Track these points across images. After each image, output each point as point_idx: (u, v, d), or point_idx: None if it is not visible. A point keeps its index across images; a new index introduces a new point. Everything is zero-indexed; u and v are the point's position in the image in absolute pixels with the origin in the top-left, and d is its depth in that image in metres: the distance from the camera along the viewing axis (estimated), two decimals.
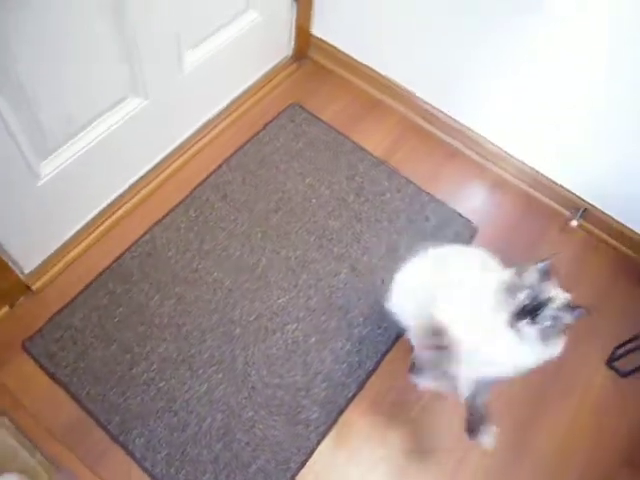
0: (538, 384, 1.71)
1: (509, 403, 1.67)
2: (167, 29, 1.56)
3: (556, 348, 1.16)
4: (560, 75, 1.70)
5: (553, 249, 1.94)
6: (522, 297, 1.10)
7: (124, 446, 1.50)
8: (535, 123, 1.88)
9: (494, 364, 1.23)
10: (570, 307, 1.10)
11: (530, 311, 1.09)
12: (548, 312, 1.08)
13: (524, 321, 1.10)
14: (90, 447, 1.50)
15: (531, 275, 1.12)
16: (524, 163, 2.00)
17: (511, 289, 1.13)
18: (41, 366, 1.57)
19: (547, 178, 1.98)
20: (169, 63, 1.66)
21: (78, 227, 1.74)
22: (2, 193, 1.41)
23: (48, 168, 1.49)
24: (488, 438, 1.31)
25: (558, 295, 1.11)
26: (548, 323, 1.09)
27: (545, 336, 1.11)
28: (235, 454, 1.51)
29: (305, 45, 2.23)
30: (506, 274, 1.17)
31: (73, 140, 1.52)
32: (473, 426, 1.33)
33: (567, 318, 1.10)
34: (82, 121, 1.51)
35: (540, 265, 1.13)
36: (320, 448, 1.55)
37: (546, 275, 1.13)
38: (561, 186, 1.97)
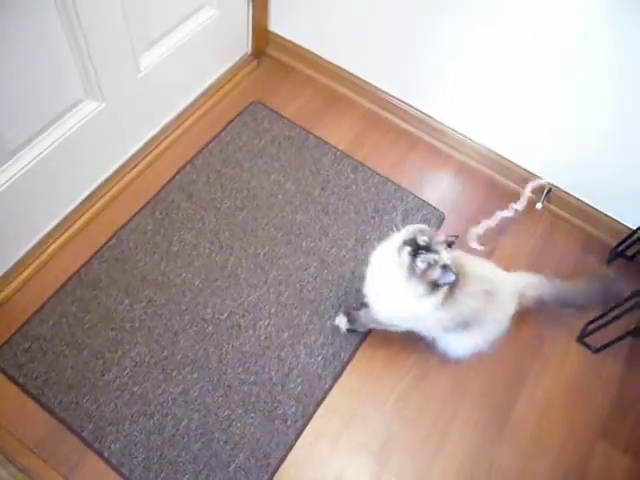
0: (513, 362, 1.73)
1: (485, 382, 1.69)
2: (119, 28, 1.54)
3: (433, 299, 1.32)
4: (516, 55, 1.72)
5: (519, 232, 1.96)
6: (421, 238, 1.28)
7: (99, 453, 1.48)
8: (495, 107, 1.90)
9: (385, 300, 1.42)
10: (446, 268, 1.26)
11: (417, 248, 1.27)
12: (428, 256, 1.26)
13: (407, 249, 1.27)
14: (64, 456, 1.47)
15: (439, 235, 1.31)
16: (486, 147, 2.02)
17: (418, 231, 1.32)
18: (10, 378, 1.54)
19: (510, 161, 2.00)
20: (124, 64, 1.64)
21: (40, 236, 1.71)
22: None
23: (6, 175, 1.46)
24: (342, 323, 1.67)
25: (444, 256, 1.28)
26: (423, 264, 1.26)
27: (423, 281, 1.27)
28: (214, 453, 1.50)
29: (263, 42, 2.23)
30: (424, 227, 1.35)
31: (28, 147, 1.49)
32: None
33: (437, 275, 1.27)
34: (35, 128, 1.49)
35: (450, 237, 1.33)
36: (299, 442, 1.55)
37: (446, 244, 1.31)
38: (524, 169, 1.99)
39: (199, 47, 1.91)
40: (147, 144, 1.94)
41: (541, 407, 1.68)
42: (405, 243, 1.29)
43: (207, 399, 1.56)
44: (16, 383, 1.54)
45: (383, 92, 2.11)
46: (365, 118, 2.16)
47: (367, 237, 1.86)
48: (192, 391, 1.57)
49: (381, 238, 1.79)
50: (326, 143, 2.05)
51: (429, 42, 1.85)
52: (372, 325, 1.62)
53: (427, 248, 1.27)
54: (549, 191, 1.97)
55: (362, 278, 1.49)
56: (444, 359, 1.69)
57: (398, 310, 1.41)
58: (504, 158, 2.01)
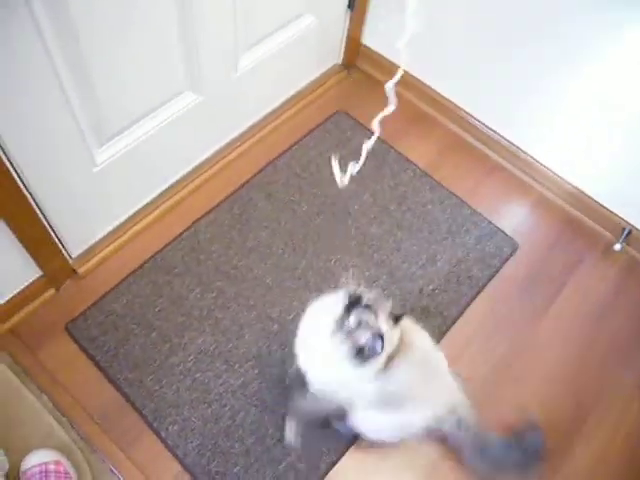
0: (574, 406, 1.69)
1: (544, 423, 1.65)
2: (227, 28, 1.60)
3: (371, 369, 1.19)
4: (611, 94, 1.70)
5: (594, 272, 1.92)
6: (367, 296, 1.18)
7: (157, 432, 1.52)
8: (581, 141, 1.87)
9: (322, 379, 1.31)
10: (379, 338, 1.14)
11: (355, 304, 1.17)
12: (364, 315, 1.15)
13: (345, 301, 1.18)
14: (124, 430, 1.52)
15: (384, 305, 1.20)
16: (568, 182, 1.99)
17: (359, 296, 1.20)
18: (82, 348, 1.60)
19: (591, 198, 1.97)
20: (225, 62, 1.70)
21: (126, 216, 1.78)
22: (60, 178, 1.45)
23: (104, 155, 1.54)
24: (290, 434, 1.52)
25: (382, 324, 1.16)
26: (354, 320, 1.15)
27: (348, 341, 1.15)
28: (267, 449, 1.52)
29: (354, 54, 2.26)
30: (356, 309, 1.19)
31: (130, 130, 1.56)
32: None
33: (365, 339, 1.14)
34: (140, 112, 1.55)
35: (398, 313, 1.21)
36: (350, 450, 1.55)
37: (393, 317, 1.20)
38: (604, 207, 1.95)
39: (294, 53, 1.96)
40: (233, 141, 1.99)
41: (597, 457, 1.62)
42: (348, 297, 1.19)
43: (265, 395, 1.58)
44: (87, 354, 1.60)
45: (470, 115, 2.11)
46: (447, 139, 2.16)
47: (438, 257, 1.86)
48: (251, 385, 1.59)
49: (451, 260, 1.82)
50: (407, 159, 2.06)
51: (525, 73, 1.85)
52: (315, 407, 1.45)
53: (367, 308, 1.16)
54: (629, 232, 1.92)
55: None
56: (503, 389, 1.67)
57: (324, 371, 1.29)
58: (586, 195, 1.97)
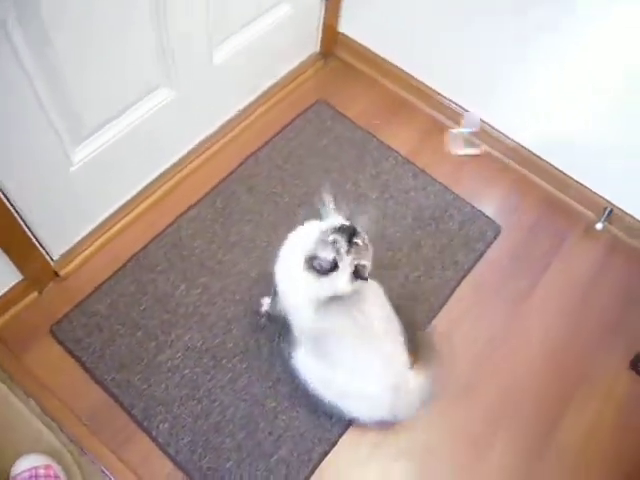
0: (560, 384, 1.70)
1: (530, 402, 1.67)
2: (201, 20, 1.58)
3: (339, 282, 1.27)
4: (592, 68, 1.71)
5: (576, 252, 1.94)
6: (323, 256, 1.25)
7: (148, 431, 1.51)
8: (559, 122, 1.88)
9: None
10: (334, 262, 1.24)
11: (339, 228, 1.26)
12: (339, 236, 1.25)
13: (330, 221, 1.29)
14: (114, 431, 1.51)
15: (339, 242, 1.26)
16: (548, 162, 2.00)
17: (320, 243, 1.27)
18: (68, 351, 1.59)
19: (571, 178, 1.97)
20: (200, 55, 1.68)
21: (107, 214, 1.76)
22: (36, 179, 1.43)
23: (81, 155, 1.52)
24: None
25: (350, 252, 1.25)
26: (331, 236, 1.25)
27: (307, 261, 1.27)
28: (258, 443, 1.52)
29: (332, 42, 2.24)
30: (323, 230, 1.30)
31: (106, 127, 1.54)
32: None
33: (326, 252, 1.25)
34: (115, 109, 1.53)
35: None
36: (342, 441, 1.56)
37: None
38: (585, 186, 1.96)
39: (270, 43, 1.94)
40: (213, 135, 1.97)
41: (586, 433, 1.65)
42: (309, 262, 1.27)
43: (255, 389, 1.58)
44: (73, 356, 1.58)
45: (448, 100, 2.11)
46: (428, 125, 2.16)
47: (422, 243, 1.86)
48: (240, 380, 1.59)
49: (435, 245, 1.82)
50: (388, 147, 2.06)
51: (504, 55, 1.86)
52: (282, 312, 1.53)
53: (346, 231, 1.26)
54: (610, 212, 1.93)
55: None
56: (492, 370, 1.69)
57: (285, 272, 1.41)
58: (567, 175, 1.98)
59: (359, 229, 1.29)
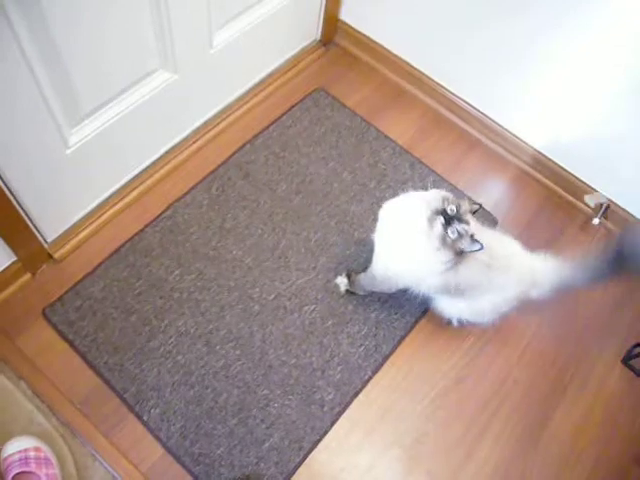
0: (554, 376, 1.71)
1: (524, 392, 1.67)
2: (201, 4, 1.56)
3: (440, 263, 1.32)
4: (590, 66, 1.70)
5: (572, 246, 1.93)
6: (449, 206, 1.27)
7: (139, 416, 1.51)
8: (561, 117, 1.87)
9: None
10: (474, 240, 1.27)
11: (449, 218, 1.26)
12: (459, 227, 1.26)
13: (440, 219, 1.26)
14: (106, 415, 1.51)
15: (464, 203, 1.31)
16: (546, 156, 1.99)
17: (445, 200, 1.30)
18: (60, 334, 1.58)
19: (569, 173, 1.97)
20: (199, 39, 1.66)
21: (102, 198, 1.75)
22: (31, 160, 1.42)
23: (77, 137, 1.50)
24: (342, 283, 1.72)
25: (472, 226, 1.28)
26: (454, 235, 1.25)
27: (443, 245, 1.27)
28: (249, 430, 1.52)
29: (333, 30, 2.23)
30: (446, 193, 1.34)
31: (103, 110, 1.53)
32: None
33: (466, 244, 1.27)
34: (112, 91, 1.52)
35: (474, 205, 1.34)
36: (333, 429, 1.56)
37: (473, 212, 1.33)
38: (583, 181, 1.96)
39: (270, 29, 1.92)
40: (210, 120, 1.96)
41: (577, 424, 1.66)
42: (436, 212, 1.27)
43: (247, 376, 1.58)
44: (65, 339, 1.58)
45: (448, 91, 2.10)
46: (427, 115, 2.15)
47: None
48: (233, 367, 1.59)
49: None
50: (386, 137, 2.05)
51: (504, 48, 1.84)
52: (368, 288, 1.66)
53: (456, 218, 1.26)
54: (607, 207, 1.93)
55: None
56: (485, 365, 1.69)
57: (408, 269, 1.42)
58: (566, 170, 1.97)
59: (439, 201, 1.30)
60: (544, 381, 1.70)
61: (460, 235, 1.26)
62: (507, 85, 1.93)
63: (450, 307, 1.59)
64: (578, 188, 1.98)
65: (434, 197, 1.31)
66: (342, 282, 1.72)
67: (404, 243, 1.36)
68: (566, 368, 1.73)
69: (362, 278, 1.64)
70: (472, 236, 1.27)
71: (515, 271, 1.45)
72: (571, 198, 2.02)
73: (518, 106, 1.96)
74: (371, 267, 1.54)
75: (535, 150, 2.01)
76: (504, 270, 1.43)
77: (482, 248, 1.26)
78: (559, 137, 1.92)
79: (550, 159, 1.99)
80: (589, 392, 1.71)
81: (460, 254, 1.29)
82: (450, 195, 1.32)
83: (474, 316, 1.58)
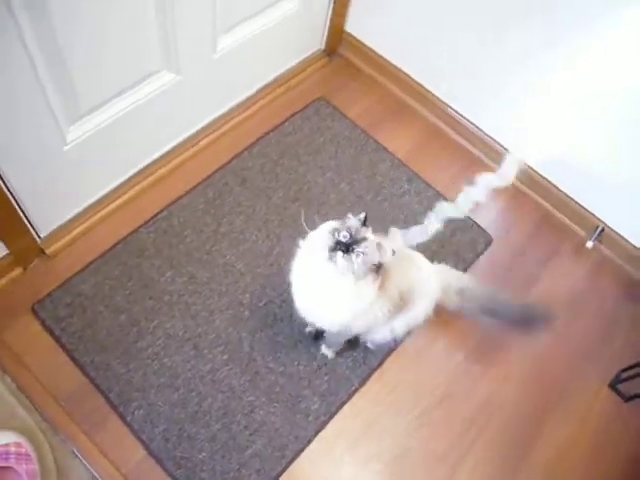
0: (540, 397, 1.71)
1: (509, 414, 1.67)
2: (206, 7, 1.57)
3: (369, 288, 1.24)
4: (586, 93, 1.71)
5: (566, 268, 1.94)
6: (340, 234, 1.19)
7: (122, 416, 1.50)
8: (559, 139, 1.88)
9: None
10: (380, 246, 1.20)
11: (346, 245, 1.18)
12: (360, 248, 1.17)
13: (339, 253, 1.17)
14: (89, 414, 1.50)
15: (351, 221, 1.23)
16: (543, 176, 2.00)
17: (334, 232, 1.21)
18: (48, 330, 1.58)
19: (565, 194, 1.98)
20: (203, 43, 1.67)
21: (98, 196, 1.75)
22: (29, 155, 1.42)
23: (76, 134, 1.50)
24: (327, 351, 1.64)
25: (371, 237, 1.20)
26: (359, 258, 1.17)
27: (357, 271, 1.19)
28: (232, 436, 1.51)
29: (337, 41, 2.24)
30: (332, 223, 1.26)
31: (103, 108, 1.53)
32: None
33: (376, 257, 1.20)
34: (113, 90, 1.52)
35: (360, 215, 1.24)
36: (317, 439, 1.55)
37: (363, 223, 1.23)
38: (578, 203, 1.96)
39: (275, 37, 1.93)
40: (210, 124, 1.96)
41: (562, 448, 1.65)
42: (332, 249, 1.19)
43: (234, 382, 1.57)
44: (52, 335, 1.57)
45: (449, 107, 2.11)
46: (427, 130, 2.16)
47: (414, 248, 1.85)
48: (220, 372, 1.58)
49: (425, 251, 1.80)
50: (385, 149, 2.05)
51: (509, 70, 1.85)
52: (341, 338, 1.56)
53: (353, 242, 1.18)
54: (602, 231, 1.94)
55: None
56: (471, 384, 1.69)
57: (351, 310, 1.31)
58: (561, 191, 1.98)
59: (329, 235, 1.22)
60: (530, 403, 1.70)
61: (365, 254, 1.18)
62: (506, 103, 1.94)
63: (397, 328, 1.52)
64: (573, 210, 1.98)
65: (322, 236, 1.23)
66: (327, 351, 1.64)
67: (330, 296, 1.27)
68: (552, 390, 1.72)
69: (329, 336, 1.58)
70: (379, 244, 1.20)
71: (422, 292, 1.45)
72: (567, 220, 2.02)
73: (516, 124, 1.97)
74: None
75: (531, 169, 2.01)
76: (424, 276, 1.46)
77: (394, 251, 1.22)
78: (555, 157, 1.93)
79: (546, 178, 1.99)
80: (575, 415, 1.70)
81: (379, 268, 1.22)
82: (335, 223, 1.25)
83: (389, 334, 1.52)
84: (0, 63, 1.18)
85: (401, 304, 1.39)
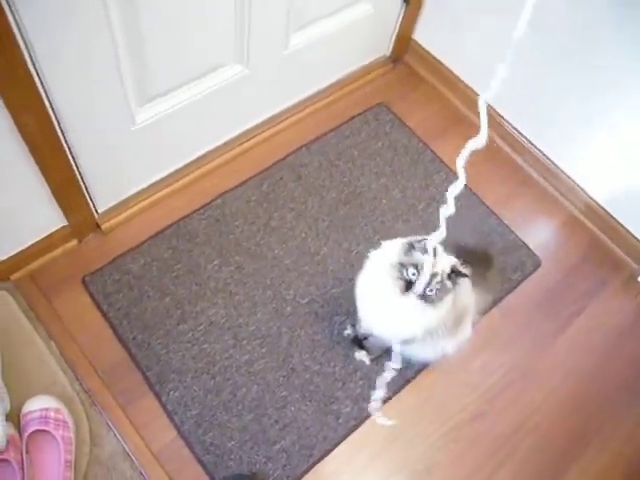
0: (578, 428, 1.67)
1: (542, 439, 1.64)
2: (282, 4, 1.58)
3: (441, 308, 1.25)
4: None
5: (613, 301, 1.89)
6: (409, 271, 1.18)
7: (158, 396, 1.53)
8: (615, 164, 1.85)
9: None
10: (454, 274, 1.20)
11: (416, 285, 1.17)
12: (433, 286, 1.17)
13: (412, 294, 1.18)
14: (126, 389, 1.54)
15: (416, 254, 1.20)
16: (599, 204, 1.96)
17: (399, 266, 1.20)
18: (96, 303, 1.62)
19: (620, 224, 1.93)
20: (276, 39, 1.69)
21: (156, 178, 1.78)
22: (98, 131, 1.46)
23: (144, 115, 1.54)
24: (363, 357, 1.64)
25: (441, 267, 1.19)
26: (433, 293, 1.18)
27: (431, 301, 1.20)
28: (263, 428, 1.52)
29: (403, 48, 2.23)
30: (395, 252, 1.24)
31: (172, 93, 1.56)
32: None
33: (450, 285, 1.20)
34: (185, 77, 1.55)
35: (425, 242, 1.20)
36: (345, 442, 1.55)
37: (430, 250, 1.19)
38: (633, 235, 1.92)
39: (345, 39, 1.94)
40: (271, 119, 1.98)
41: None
42: (403, 289, 1.18)
43: (269, 375, 1.59)
44: (99, 309, 1.61)
45: (509, 124, 2.08)
46: (485, 146, 2.13)
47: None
48: (257, 364, 1.60)
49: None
50: (441, 161, 2.04)
51: (574, 95, 1.83)
52: (383, 346, 1.56)
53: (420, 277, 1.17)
54: None
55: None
56: (506, 404, 1.67)
57: (422, 327, 1.30)
58: (616, 220, 1.94)
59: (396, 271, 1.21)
60: (565, 431, 1.66)
61: (439, 289, 1.18)
62: (574, 129, 1.91)
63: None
64: (629, 243, 1.94)
65: (392, 254, 1.23)
66: (361, 355, 1.65)
67: (402, 315, 1.26)
68: (591, 420, 1.69)
69: (372, 344, 1.60)
70: (452, 273, 1.20)
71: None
72: (619, 251, 1.98)
73: (582, 152, 1.94)
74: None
75: (590, 198, 1.97)
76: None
77: (467, 275, 1.23)
78: (619, 190, 1.89)
79: (604, 208, 1.95)
80: (612, 449, 1.66)
81: (452, 287, 1.22)
82: (406, 241, 1.24)
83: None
84: (85, 41, 1.21)
85: (458, 322, 1.39)
